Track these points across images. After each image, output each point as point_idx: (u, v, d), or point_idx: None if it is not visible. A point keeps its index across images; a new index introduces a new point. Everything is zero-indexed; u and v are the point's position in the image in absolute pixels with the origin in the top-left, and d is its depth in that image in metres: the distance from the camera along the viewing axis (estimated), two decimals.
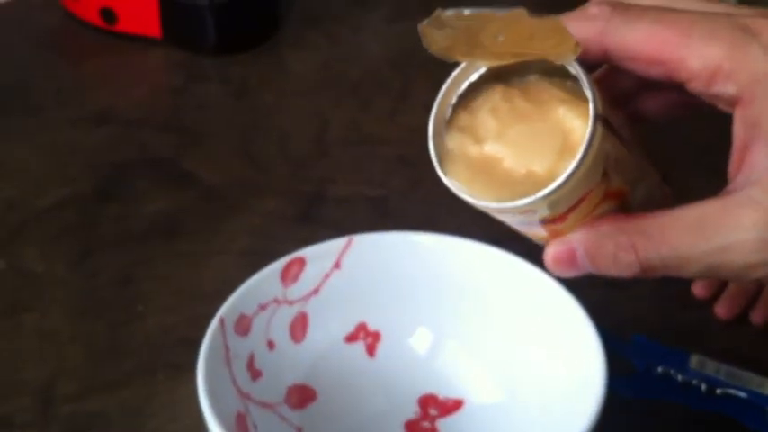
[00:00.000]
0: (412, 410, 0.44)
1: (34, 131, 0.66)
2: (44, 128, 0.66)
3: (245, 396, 0.40)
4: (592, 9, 0.34)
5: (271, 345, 0.43)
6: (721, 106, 0.34)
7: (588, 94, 0.32)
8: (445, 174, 0.34)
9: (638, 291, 0.50)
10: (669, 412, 0.46)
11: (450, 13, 0.33)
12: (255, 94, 0.70)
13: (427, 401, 0.44)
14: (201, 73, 0.72)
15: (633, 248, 0.33)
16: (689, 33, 0.32)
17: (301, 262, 0.44)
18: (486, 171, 0.33)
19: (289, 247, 0.45)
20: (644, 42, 0.33)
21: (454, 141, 0.34)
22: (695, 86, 0.33)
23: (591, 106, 0.32)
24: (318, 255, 0.44)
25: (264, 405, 0.42)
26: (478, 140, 0.34)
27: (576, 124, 0.32)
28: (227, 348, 0.40)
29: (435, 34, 0.32)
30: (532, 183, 0.32)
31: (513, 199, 0.32)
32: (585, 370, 0.38)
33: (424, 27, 0.32)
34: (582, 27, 0.33)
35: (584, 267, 0.34)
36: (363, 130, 0.67)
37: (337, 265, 0.44)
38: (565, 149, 0.32)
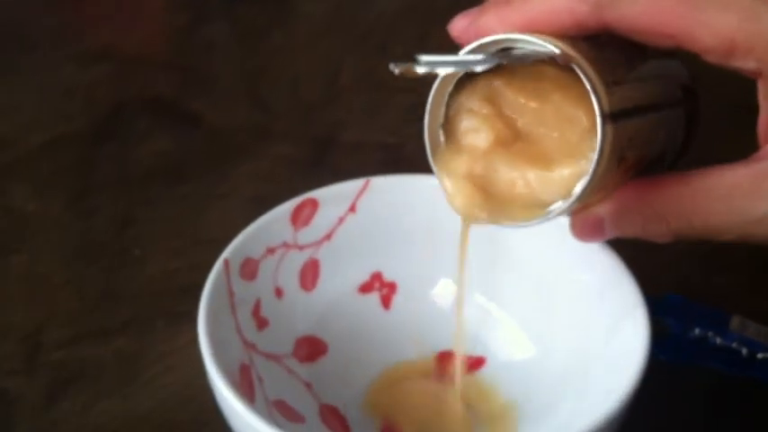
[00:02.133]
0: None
1: (30, 68, 0.62)
2: (40, 65, 0.63)
3: (249, 346, 0.37)
4: None
5: (279, 292, 0.39)
6: (745, 74, 0.31)
7: (593, 101, 0.29)
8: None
9: (675, 249, 0.47)
10: (706, 378, 0.42)
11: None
12: (264, 35, 0.66)
13: (446, 358, 0.40)
14: (208, 13, 0.68)
15: (664, 220, 0.32)
16: (695, 2, 0.29)
17: (314, 204, 0.40)
18: (497, 194, 0.31)
19: (298, 193, 0.41)
20: (646, 16, 0.30)
21: (455, 163, 0.32)
22: (712, 59, 0.30)
23: (598, 119, 0.29)
24: (332, 197, 0.41)
25: (271, 357, 0.38)
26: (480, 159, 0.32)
27: (583, 125, 0.30)
28: (231, 293, 0.37)
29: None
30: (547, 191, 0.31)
31: (529, 219, 0.31)
32: (627, 331, 0.35)
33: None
34: (574, 6, 0.30)
35: (612, 234, 0.34)
36: (377, 75, 0.63)
37: (352, 209, 0.41)
38: (577, 150, 0.30)
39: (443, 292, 0.42)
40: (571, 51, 0.29)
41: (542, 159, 0.30)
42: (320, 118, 0.59)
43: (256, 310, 0.38)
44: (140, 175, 0.54)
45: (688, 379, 0.42)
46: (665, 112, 0.34)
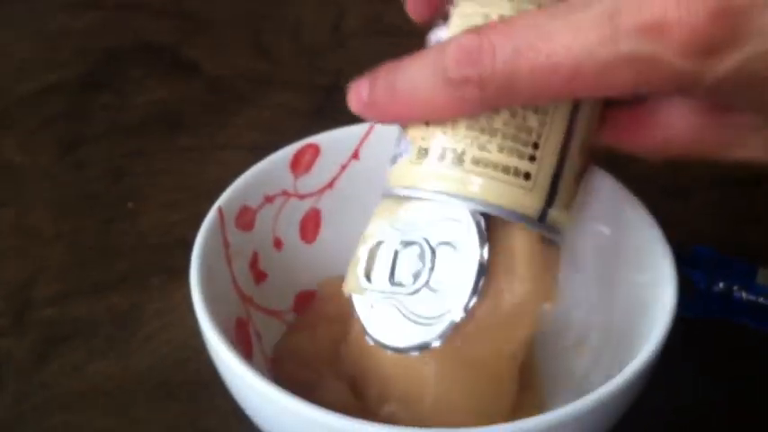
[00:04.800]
0: None
1: (19, 15, 0.60)
2: (30, 11, 0.60)
3: (246, 300, 0.35)
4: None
5: (278, 243, 0.37)
6: None
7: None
8: None
9: (700, 201, 0.45)
10: (731, 334, 0.40)
11: None
12: None
13: None
14: None
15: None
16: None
17: (315, 150, 0.38)
18: None
19: None
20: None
21: None
22: None
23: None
24: (334, 142, 0.38)
25: (269, 312, 0.36)
26: None
27: None
28: (226, 244, 0.34)
29: None
30: None
31: None
32: (654, 286, 0.33)
33: None
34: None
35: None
36: (384, 21, 0.60)
37: (356, 156, 0.39)
38: None
39: None
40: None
41: None
42: (323, 65, 0.56)
43: (254, 263, 0.36)
44: (135, 126, 0.51)
45: (712, 334, 0.40)
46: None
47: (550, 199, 0.29)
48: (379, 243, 0.30)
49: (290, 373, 0.34)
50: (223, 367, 0.30)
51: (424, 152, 0.29)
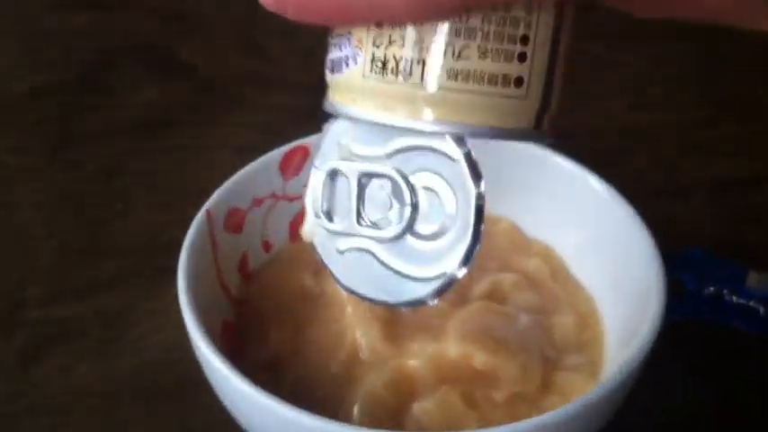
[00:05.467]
0: None
1: (12, 15, 0.59)
2: (22, 11, 0.59)
3: (235, 302, 0.35)
4: None
5: (267, 246, 0.37)
6: None
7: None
8: None
9: (696, 202, 0.45)
10: (721, 337, 0.40)
11: None
12: None
13: None
14: None
15: None
16: None
17: (304, 152, 0.38)
18: None
19: None
20: None
21: None
22: None
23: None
24: None
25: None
26: None
27: None
28: (214, 246, 0.34)
29: None
30: None
31: None
32: (642, 288, 0.32)
33: None
34: None
35: None
36: None
37: None
38: None
39: None
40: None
41: None
42: (317, 66, 0.56)
43: (242, 265, 0.36)
44: (126, 126, 0.51)
45: (702, 336, 0.40)
46: None
47: (545, 102, 0.23)
48: (335, 173, 0.25)
49: None
50: (209, 370, 0.30)
51: (379, 64, 0.22)
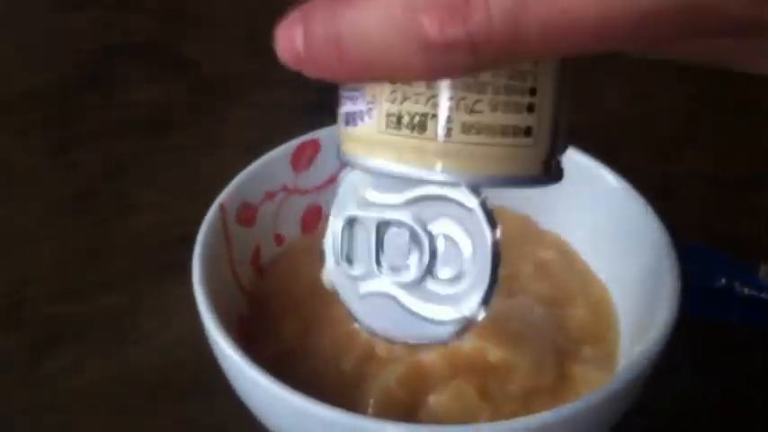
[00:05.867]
0: None
1: (12, 13, 0.59)
2: (23, 10, 0.59)
3: (248, 296, 0.34)
4: None
5: (279, 239, 0.37)
6: None
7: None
8: None
9: (697, 196, 0.44)
10: (733, 331, 0.40)
11: None
12: None
13: None
14: None
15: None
16: None
17: (315, 145, 0.37)
18: None
19: None
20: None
21: None
22: None
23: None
24: (335, 138, 0.38)
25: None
26: None
27: None
28: (228, 240, 0.34)
29: None
30: None
31: None
32: (656, 284, 0.32)
33: None
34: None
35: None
36: None
37: None
38: None
39: None
40: None
41: None
42: None
43: (255, 259, 0.35)
44: (129, 124, 0.51)
45: (712, 332, 0.40)
46: None
47: (553, 148, 0.24)
48: (353, 220, 0.25)
49: None
50: (226, 363, 0.30)
51: (394, 120, 0.23)
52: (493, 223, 0.24)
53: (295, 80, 0.58)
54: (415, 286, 0.25)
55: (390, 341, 0.26)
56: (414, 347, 0.27)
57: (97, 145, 0.50)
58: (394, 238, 0.25)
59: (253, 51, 0.57)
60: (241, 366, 0.28)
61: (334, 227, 0.26)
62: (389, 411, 0.31)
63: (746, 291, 0.41)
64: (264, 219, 0.36)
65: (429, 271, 0.24)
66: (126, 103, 0.52)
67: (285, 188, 0.37)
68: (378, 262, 0.25)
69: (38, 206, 0.46)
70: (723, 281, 0.41)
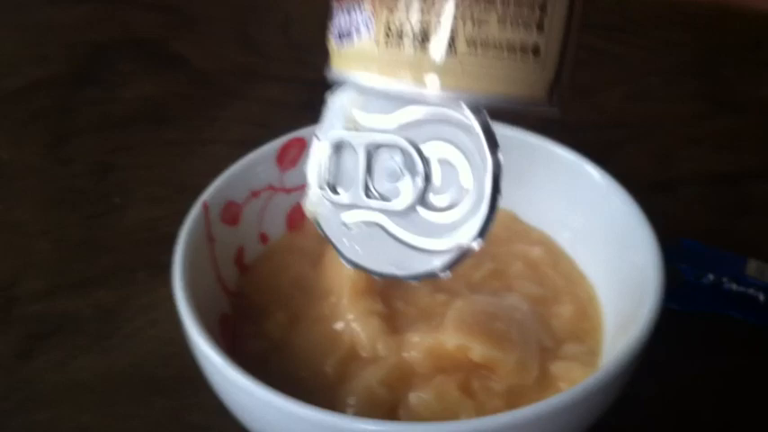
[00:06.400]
0: None
1: (4, 9, 0.59)
2: (16, 5, 0.59)
3: (231, 295, 0.34)
4: None
5: (264, 238, 0.37)
6: None
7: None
8: None
9: (688, 192, 0.44)
10: (721, 326, 0.40)
11: None
12: None
13: None
14: None
15: None
16: None
17: (301, 143, 0.38)
18: None
19: None
20: None
21: None
22: None
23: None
24: None
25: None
26: None
27: None
28: (211, 239, 0.34)
29: None
30: None
31: None
32: (640, 277, 0.32)
33: None
34: None
35: None
36: None
37: None
38: None
39: None
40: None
41: None
42: (311, 59, 0.56)
43: (239, 258, 0.36)
44: (122, 120, 0.51)
45: (701, 327, 0.40)
46: None
47: (559, 73, 0.22)
48: (341, 144, 0.24)
49: None
50: (206, 364, 0.30)
51: (395, 33, 0.22)
52: (494, 144, 0.22)
53: (290, 77, 0.58)
54: (406, 214, 0.23)
55: (377, 275, 0.24)
56: (402, 283, 0.25)
57: (91, 140, 0.50)
58: (384, 163, 0.23)
59: (245, 48, 0.57)
60: (220, 367, 0.28)
61: (319, 151, 0.24)
62: (371, 411, 0.31)
63: (735, 287, 0.41)
64: (249, 217, 0.36)
65: (422, 197, 0.23)
66: (119, 98, 0.52)
67: (270, 186, 0.37)
68: (366, 189, 0.24)
69: (31, 202, 0.46)
70: (711, 277, 0.41)
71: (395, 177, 0.23)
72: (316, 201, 0.25)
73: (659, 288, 0.31)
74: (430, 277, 0.23)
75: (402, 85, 0.22)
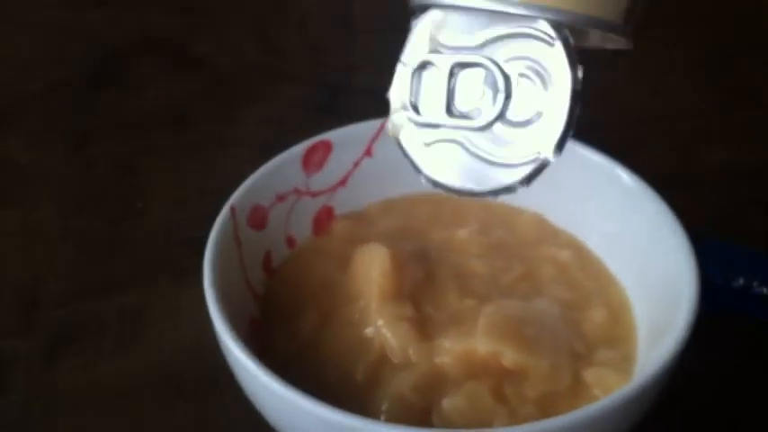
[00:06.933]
0: None
1: (25, 11, 0.59)
2: (36, 8, 0.59)
3: (259, 299, 0.34)
4: None
5: (291, 242, 0.36)
6: None
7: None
8: None
9: (710, 192, 0.44)
10: (749, 331, 0.39)
11: None
12: None
13: None
14: None
15: None
16: None
17: (327, 146, 0.37)
18: None
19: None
20: None
21: None
22: None
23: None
24: (346, 139, 0.38)
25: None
26: None
27: None
28: (239, 243, 0.34)
29: None
30: None
31: None
32: (674, 281, 0.32)
33: None
34: None
35: None
36: (394, 14, 0.59)
37: (368, 153, 0.38)
38: None
39: None
40: None
41: None
42: (331, 60, 0.56)
43: (266, 262, 0.35)
44: (142, 123, 0.51)
45: (734, 332, 0.40)
46: None
47: (635, 2, 0.24)
48: (425, 65, 0.25)
49: None
50: (237, 367, 0.29)
51: None
52: (574, 61, 0.23)
53: (309, 78, 0.58)
54: (486, 131, 0.24)
55: (454, 192, 0.25)
56: (479, 198, 0.25)
57: (111, 143, 0.50)
58: (466, 82, 0.24)
59: (264, 48, 0.57)
60: (252, 371, 0.28)
61: (403, 74, 0.25)
62: (404, 417, 0.30)
63: (765, 290, 0.40)
64: (275, 221, 0.36)
65: (502, 114, 0.24)
66: (139, 100, 0.52)
67: (296, 190, 0.37)
68: (448, 107, 0.25)
69: (52, 206, 0.46)
70: (741, 280, 0.41)
71: (477, 95, 0.24)
72: (398, 122, 0.26)
73: (695, 295, 0.31)
74: (508, 191, 0.24)
75: (486, 1, 0.23)
